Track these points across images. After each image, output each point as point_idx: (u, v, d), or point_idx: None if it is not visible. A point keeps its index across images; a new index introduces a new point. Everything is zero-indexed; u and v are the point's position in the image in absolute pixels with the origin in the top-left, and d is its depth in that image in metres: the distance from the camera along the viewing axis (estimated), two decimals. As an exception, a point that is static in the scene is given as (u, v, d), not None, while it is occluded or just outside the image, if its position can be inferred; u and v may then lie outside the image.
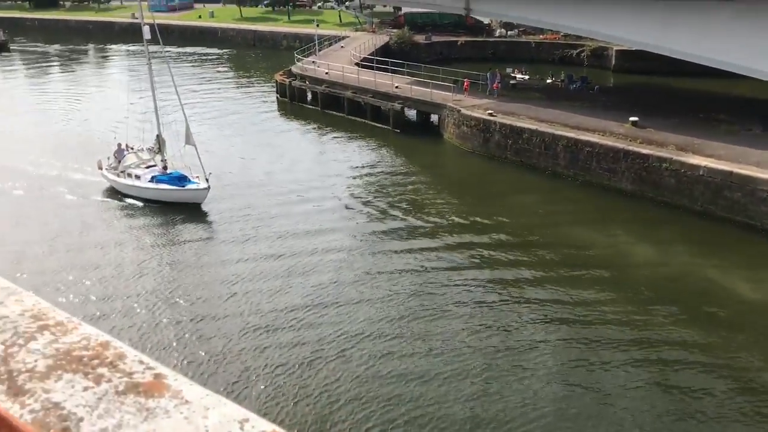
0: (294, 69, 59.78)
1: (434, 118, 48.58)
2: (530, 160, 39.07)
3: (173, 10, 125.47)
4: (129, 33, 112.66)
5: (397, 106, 47.87)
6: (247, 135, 48.25)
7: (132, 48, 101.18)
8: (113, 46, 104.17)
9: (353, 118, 51.11)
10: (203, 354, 21.31)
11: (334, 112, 52.71)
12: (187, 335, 22.49)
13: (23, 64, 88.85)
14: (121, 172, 36.17)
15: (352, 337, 21.93)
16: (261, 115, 55.07)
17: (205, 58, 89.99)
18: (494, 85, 47.41)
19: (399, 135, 47.08)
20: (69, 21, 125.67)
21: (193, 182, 34.30)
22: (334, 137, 47.98)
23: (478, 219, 32.46)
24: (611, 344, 21.62)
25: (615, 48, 64.83)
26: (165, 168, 35.73)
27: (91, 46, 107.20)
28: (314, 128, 50.41)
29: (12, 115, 56.17)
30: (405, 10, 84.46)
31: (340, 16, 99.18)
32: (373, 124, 49.56)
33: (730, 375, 19.96)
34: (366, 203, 34.88)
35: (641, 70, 60.29)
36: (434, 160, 43.56)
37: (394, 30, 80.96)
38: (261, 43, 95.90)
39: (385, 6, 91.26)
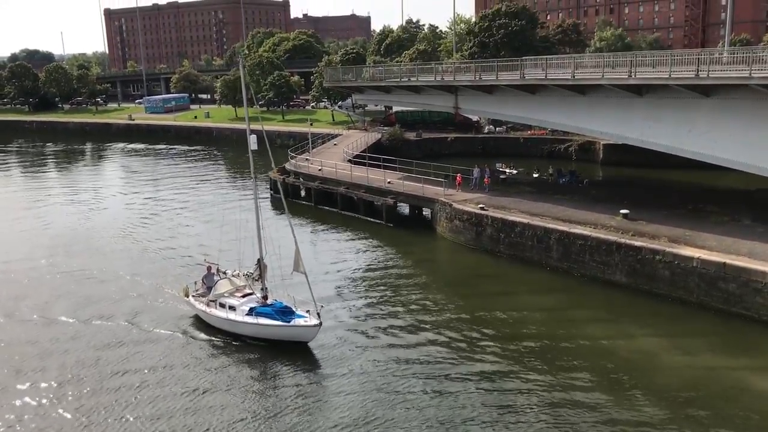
0: (288, 166, 60.72)
1: (427, 212, 49.03)
2: (523, 254, 39.12)
3: (169, 111, 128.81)
4: (125, 133, 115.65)
5: (390, 201, 48.38)
6: (244, 231, 47.75)
7: (137, 146, 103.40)
8: (120, 145, 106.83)
9: (346, 213, 51.53)
10: None
11: (328, 208, 53.15)
12: None
13: (27, 165, 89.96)
14: (212, 301, 30.68)
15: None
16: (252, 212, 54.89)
17: (199, 156, 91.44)
18: (485, 179, 48.13)
19: (392, 229, 47.30)
20: (67, 123, 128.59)
21: (300, 316, 28.66)
22: (329, 233, 47.96)
23: (473, 316, 32.06)
24: None
25: (602, 142, 66.42)
26: (265, 298, 30.23)
27: (90, 145, 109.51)
28: (309, 224, 50.45)
29: (47, 224, 52.73)
30: (396, 108, 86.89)
31: (332, 115, 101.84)
32: (366, 218, 49.92)
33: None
34: (372, 301, 34.36)
35: (629, 163, 61.61)
36: (428, 254, 43.54)
37: (386, 128, 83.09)
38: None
39: (376, 105, 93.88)
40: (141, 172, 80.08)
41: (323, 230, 48.88)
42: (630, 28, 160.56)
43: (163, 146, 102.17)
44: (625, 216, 38.43)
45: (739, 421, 22.27)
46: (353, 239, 46.09)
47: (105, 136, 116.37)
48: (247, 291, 31.14)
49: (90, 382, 26.24)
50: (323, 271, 38.59)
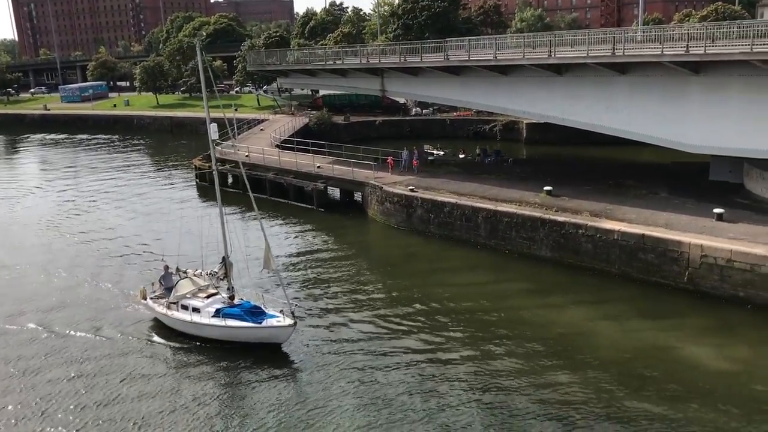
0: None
1: (358, 195, 49.12)
2: (453, 233, 39.76)
3: (87, 100, 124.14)
4: (40, 124, 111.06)
5: (320, 185, 48.21)
6: (169, 223, 46.60)
7: (55, 137, 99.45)
8: (37, 136, 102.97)
9: (276, 199, 51.01)
10: None
11: (257, 194, 52.13)
12: None
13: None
14: (173, 303, 28.97)
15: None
16: (180, 201, 53.74)
17: (120, 146, 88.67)
18: (413, 161, 48.56)
19: (324, 214, 47.21)
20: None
21: (272, 316, 27.20)
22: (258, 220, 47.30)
23: (405, 295, 32.55)
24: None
25: (525, 121, 67.89)
26: (232, 298, 28.68)
27: (2, 138, 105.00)
28: (239, 212, 49.62)
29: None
30: (323, 92, 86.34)
31: (258, 99, 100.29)
32: (296, 204, 49.59)
33: None
34: (302, 287, 34.29)
35: (551, 141, 63.27)
36: (361, 238, 43.70)
37: (313, 112, 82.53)
38: (179, 129, 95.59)
39: (302, 89, 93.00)
40: (61, 163, 77.07)
41: (253, 217, 48.18)
42: (549, 9, 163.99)
43: (83, 136, 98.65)
44: (548, 193, 39.54)
45: (667, 385, 23.29)
46: (285, 225, 45.75)
47: (18, 127, 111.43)
48: (212, 291, 29.38)
49: (47, 399, 24.06)
50: (255, 257, 38.08)
